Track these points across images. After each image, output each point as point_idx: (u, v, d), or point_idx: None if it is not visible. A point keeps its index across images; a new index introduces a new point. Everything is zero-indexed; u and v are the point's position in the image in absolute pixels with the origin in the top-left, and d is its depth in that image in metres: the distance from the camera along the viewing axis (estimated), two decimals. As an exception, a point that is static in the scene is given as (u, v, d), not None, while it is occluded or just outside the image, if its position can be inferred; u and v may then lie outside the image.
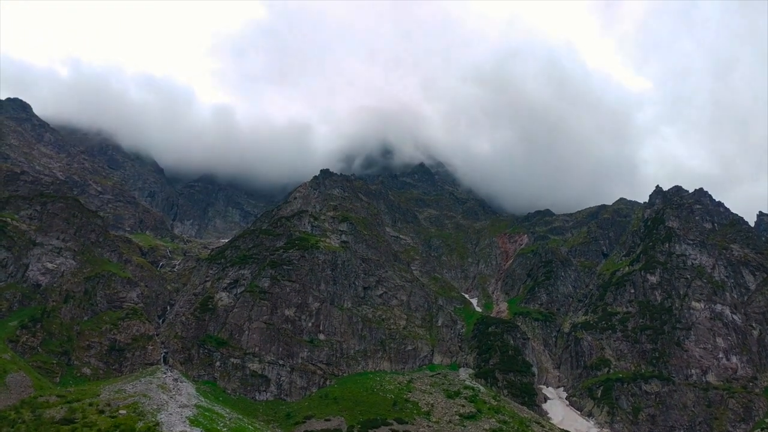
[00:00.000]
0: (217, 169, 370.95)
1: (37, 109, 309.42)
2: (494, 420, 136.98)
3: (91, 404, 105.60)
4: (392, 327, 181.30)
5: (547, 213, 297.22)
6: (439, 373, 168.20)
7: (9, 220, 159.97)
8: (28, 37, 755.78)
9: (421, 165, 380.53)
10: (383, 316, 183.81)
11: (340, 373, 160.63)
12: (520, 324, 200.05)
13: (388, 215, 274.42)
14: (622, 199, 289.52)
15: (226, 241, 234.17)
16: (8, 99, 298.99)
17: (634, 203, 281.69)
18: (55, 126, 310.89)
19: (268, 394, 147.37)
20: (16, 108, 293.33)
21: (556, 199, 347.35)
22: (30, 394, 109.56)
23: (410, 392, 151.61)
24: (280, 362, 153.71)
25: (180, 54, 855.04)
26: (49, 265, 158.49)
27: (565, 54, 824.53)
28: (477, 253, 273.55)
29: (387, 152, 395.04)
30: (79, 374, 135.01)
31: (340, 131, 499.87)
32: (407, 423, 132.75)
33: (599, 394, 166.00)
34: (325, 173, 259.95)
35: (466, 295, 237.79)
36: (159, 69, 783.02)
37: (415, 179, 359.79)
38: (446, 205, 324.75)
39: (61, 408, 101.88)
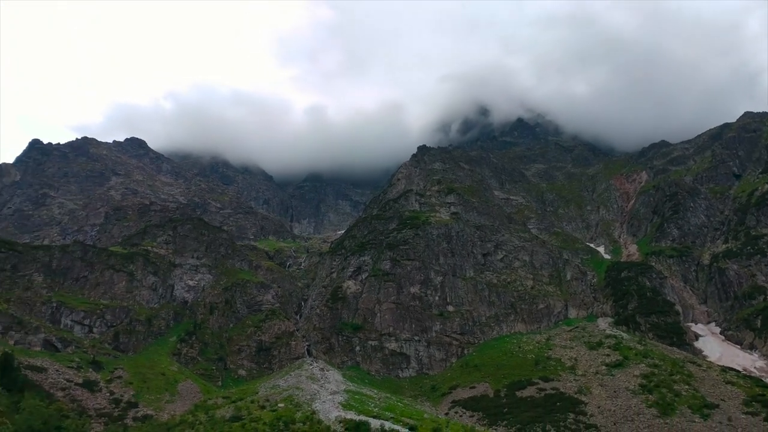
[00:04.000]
0: (320, 166, 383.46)
1: (152, 144, 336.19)
2: (643, 365, 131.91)
3: (252, 401, 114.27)
4: (520, 289, 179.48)
5: (663, 144, 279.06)
6: (576, 327, 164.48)
7: (150, 248, 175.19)
8: (132, 82, 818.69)
9: (520, 120, 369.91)
10: (508, 280, 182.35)
11: (476, 341, 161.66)
12: (654, 264, 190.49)
13: (494, 178, 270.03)
14: (747, 113, 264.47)
15: (342, 232, 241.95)
16: (126, 139, 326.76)
17: (763, 114, 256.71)
18: (169, 155, 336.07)
19: (410, 370, 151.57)
20: (134, 146, 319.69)
21: (669, 128, 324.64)
22: (200, 399, 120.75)
23: (550, 350, 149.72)
24: (416, 338, 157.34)
25: (259, 66, 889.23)
26: (191, 282, 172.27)
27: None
28: (595, 200, 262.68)
29: (482, 113, 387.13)
30: (236, 376, 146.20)
31: (431, 104, 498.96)
32: (553, 380, 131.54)
33: (759, 324, 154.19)
34: (423, 149, 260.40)
35: (591, 245, 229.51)
36: (246, 84, 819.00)
37: (515, 136, 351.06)
38: (553, 157, 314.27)
39: (228, 408, 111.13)
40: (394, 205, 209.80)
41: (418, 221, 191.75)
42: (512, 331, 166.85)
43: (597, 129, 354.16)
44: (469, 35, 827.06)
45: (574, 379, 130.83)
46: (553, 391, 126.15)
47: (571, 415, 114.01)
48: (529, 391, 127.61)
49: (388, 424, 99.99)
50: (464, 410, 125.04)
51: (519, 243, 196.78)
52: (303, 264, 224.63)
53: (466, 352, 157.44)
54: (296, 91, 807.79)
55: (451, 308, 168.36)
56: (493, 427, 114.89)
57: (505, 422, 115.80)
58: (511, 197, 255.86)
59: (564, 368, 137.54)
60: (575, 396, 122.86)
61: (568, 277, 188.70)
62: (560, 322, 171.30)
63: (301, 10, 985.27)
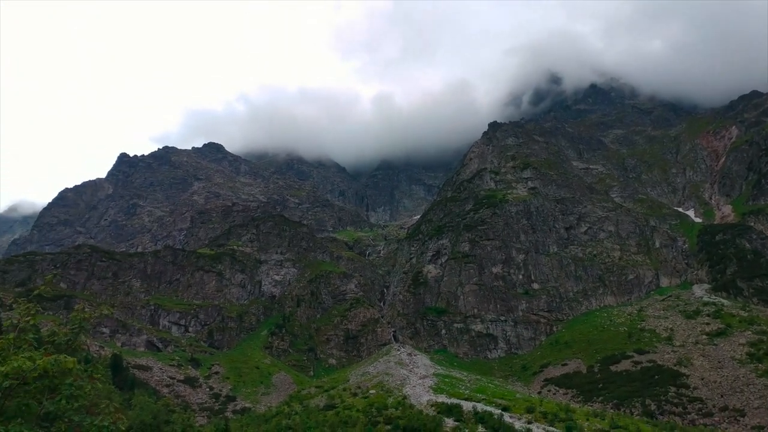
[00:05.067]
0: (391, 153, 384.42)
1: (228, 147, 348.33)
2: (749, 332, 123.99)
3: (344, 389, 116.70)
4: (607, 260, 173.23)
5: (754, 95, 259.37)
6: (670, 296, 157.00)
7: (235, 247, 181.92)
8: (204, 89, 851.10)
9: (593, 86, 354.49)
10: (594, 252, 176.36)
11: (565, 318, 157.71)
12: (753, 224, 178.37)
13: (571, 149, 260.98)
14: None
15: (418, 217, 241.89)
16: (204, 145, 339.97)
17: None
18: (246, 156, 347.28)
19: (499, 351, 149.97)
20: (212, 150, 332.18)
21: (760, 76, 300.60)
22: (294, 390, 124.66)
23: (644, 321, 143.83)
24: (502, 318, 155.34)
25: (322, 62, 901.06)
26: (276, 277, 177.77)
27: None
28: (680, 162, 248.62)
29: (553, 81, 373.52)
30: (326, 365, 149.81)
31: (499, 78, 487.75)
32: (648, 352, 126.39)
33: None
34: (494, 126, 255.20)
35: (680, 209, 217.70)
36: (311, 81, 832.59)
37: (590, 103, 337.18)
38: (631, 121, 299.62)
39: (322, 397, 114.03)
40: (468, 185, 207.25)
41: (494, 200, 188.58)
42: (602, 305, 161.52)
43: (677, 87, 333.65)
44: (530, 5, 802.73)
45: (672, 351, 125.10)
46: (649, 364, 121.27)
47: (672, 389, 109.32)
48: (624, 365, 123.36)
49: (480, 406, 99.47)
50: (557, 388, 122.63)
51: (603, 213, 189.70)
52: (382, 252, 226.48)
53: (555, 329, 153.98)
54: (361, 82, 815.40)
55: (536, 286, 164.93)
56: (589, 403, 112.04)
57: (600, 398, 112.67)
58: (591, 167, 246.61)
59: (660, 339, 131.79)
60: (675, 368, 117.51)
61: (657, 244, 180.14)
62: (652, 292, 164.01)
63: (355, 2, 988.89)
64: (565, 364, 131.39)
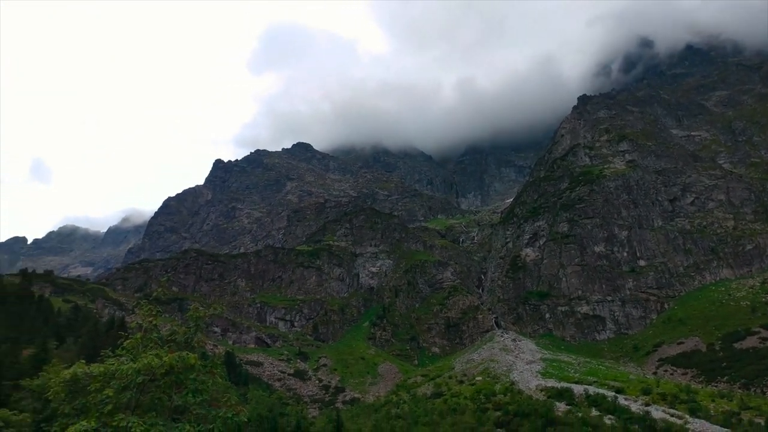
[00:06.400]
0: (478, 137, 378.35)
1: (317, 145, 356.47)
2: None
3: (450, 377, 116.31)
4: (719, 231, 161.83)
5: None
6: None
7: (331, 242, 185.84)
8: (290, 91, 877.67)
9: (689, 47, 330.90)
10: (704, 224, 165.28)
11: (676, 294, 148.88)
12: None
13: (670, 116, 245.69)
14: None
15: (511, 200, 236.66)
16: (294, 145, 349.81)
17: None
18: (334, 153, 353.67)
19: (608, 332, 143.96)
20: (302, 149, 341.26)
21: None
22: (400, 379, 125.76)
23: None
24: (608, 298, 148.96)
25: (400, 54, 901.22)
26: (373, 269, 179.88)
27: None
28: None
29: (645, 45, 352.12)
30: (430, 354, 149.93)
31: (585, 49, 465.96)
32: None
33: None
34: (584, 99, 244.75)
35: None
36: (391, 74, 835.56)
37: (687, 66, 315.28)
38: (736, 80, 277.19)
39: (428, 385, 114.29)
40: (562, 163, 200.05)
41: (591, 176, 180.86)
42: (717, 279, 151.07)
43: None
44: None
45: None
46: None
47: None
48: (749, 342, 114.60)
49: (592, 389, 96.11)
50: (674, 368, 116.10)
51: (710, 182, 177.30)
52: (476, 238, 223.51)
53: (666, 306, 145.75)
54: (441, 69, 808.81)
55: (642, 263, 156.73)
56: (712, 384, 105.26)
57: (725, 378, 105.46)
58: (693, 133, 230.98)
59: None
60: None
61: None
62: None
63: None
64: (681, 343, 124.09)
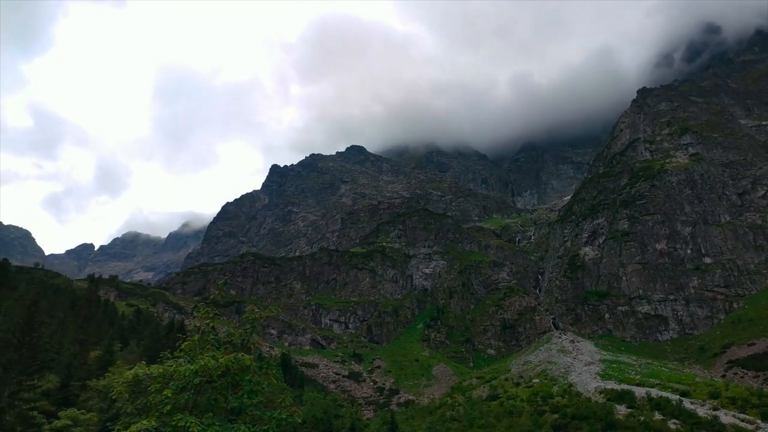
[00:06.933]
0: (533, 134, 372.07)
1: (370, 148, 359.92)
2: None
3: (506, 379, 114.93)
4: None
5: None
6: None
7: (385, 244, 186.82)
8: (342, 95, 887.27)
9: (758, 32, 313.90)
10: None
11: (746, 293, 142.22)
12: None
13: (738, 106, 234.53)
14: None
15: (569, 198, 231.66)
16: (347, 148, 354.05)
17: None
18: (386, 155, 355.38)
19: (671, 332, 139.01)
20: (355, 152, 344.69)
21: None
22: (455, 381, 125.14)
23: None
24: (671, 298, 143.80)
25: (452, 54, 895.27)
26: (426, 270, 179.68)
27: None
28: None
29: (710, 31, 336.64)
30: (485, 355, 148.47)
31: (644, 39, 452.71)
32: None
33: None
34: (644, 91, 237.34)
35: None
36: (442, 73, 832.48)
37: (756, 52, 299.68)
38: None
39: (484, 387, 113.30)
40: (621, 158, 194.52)
41: (652, 171, 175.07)
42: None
43: None
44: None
45: None
46: None
47: None
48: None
49: (654, 392, 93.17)
50: (745, 371, 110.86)
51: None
52: (532, 237, 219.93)
53: (735, 305, 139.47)
54: (495, 66, 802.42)
55: (708, 260, 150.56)
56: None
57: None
58: (764, 123, 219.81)
59: None
60: None
61: None
62: None
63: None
64: (753, 344, 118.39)
